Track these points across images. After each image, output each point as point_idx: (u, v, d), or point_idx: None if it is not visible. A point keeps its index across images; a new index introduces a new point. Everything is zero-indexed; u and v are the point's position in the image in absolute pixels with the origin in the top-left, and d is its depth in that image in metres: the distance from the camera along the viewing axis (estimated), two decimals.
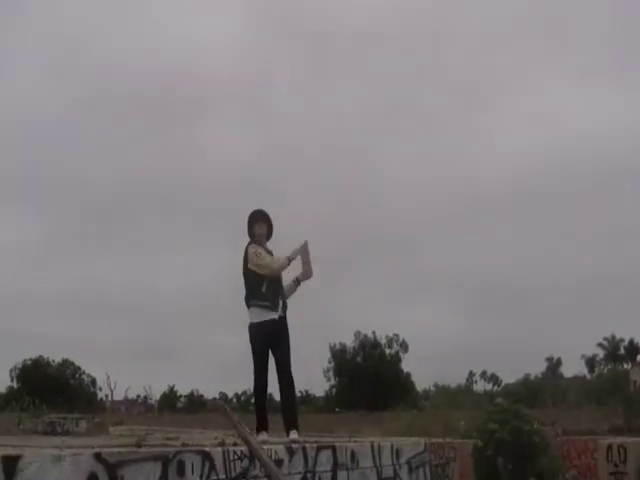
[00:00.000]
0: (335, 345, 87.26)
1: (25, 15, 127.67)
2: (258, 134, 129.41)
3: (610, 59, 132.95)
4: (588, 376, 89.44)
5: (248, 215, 8.77)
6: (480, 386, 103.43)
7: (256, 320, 8.39)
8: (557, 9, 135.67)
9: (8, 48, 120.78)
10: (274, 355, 8.43)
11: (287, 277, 8.76)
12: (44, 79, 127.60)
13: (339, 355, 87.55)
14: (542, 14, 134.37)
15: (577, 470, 12.21)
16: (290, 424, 8.38)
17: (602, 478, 12.06)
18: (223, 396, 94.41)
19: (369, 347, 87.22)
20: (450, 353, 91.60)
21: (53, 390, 60.90)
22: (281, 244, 8.90)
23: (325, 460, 7.79)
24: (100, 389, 79.32)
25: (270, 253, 8.65)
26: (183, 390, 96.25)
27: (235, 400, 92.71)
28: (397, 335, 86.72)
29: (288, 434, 8.26)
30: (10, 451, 5.26)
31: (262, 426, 8.29)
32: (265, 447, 6.99)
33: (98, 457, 5.38)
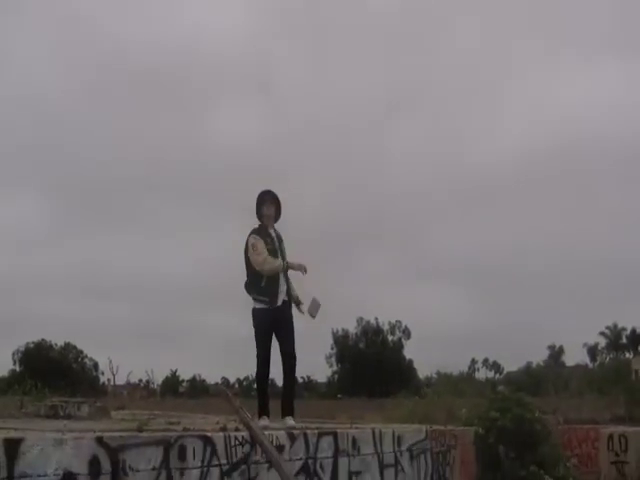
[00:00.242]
0: (337, 331, 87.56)
1: None
2: (266, 116, 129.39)
3: (613, 42, 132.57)
4: (590, 365, 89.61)
5: (257, 195, 8.74)
6: (482, 374, 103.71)
7: (259, 305, 8.39)
8: None
9: (14, 28, 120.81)
10: (278, 339, 8.42)
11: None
12: (52, 61, 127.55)
13: (341, 341, 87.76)
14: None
15: (578, 459, 12.22)
16: (288, 410, 8.42)
17: (603, 467, 12.08)
18: (225, 381, 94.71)
19: (371, 333, 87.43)
20: (452, 340, 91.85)
21: (55, 374, 61.06)
22: (288, 231, 8.90)
23: (326, 446, 7.81)
24: (102, 373, 79.65)
25: (278, 237, 8.66)
26: (185, 375, 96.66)
27: (237, 385, 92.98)
28: (400, 322, 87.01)
29: (283, 419, 8.30)
30: (12, 434, 5.27)
31: (263, 411, 8.30)
32: (266, 433, 7.01)
33: (100, 441, 5.40)
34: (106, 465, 5.36)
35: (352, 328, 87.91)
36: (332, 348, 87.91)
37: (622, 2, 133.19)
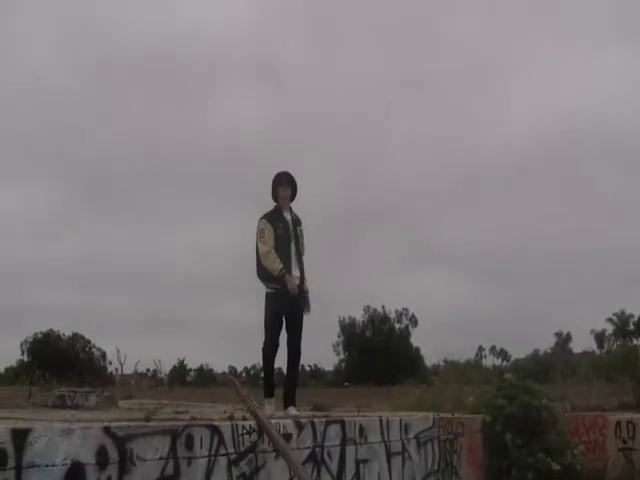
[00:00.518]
0: (344, 319, 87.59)
1: None
2: (268, 103, 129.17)
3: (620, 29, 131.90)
4: (597, 352, 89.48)
5: (274, 176, 8.69)
6: (489, 361, 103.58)
7: (271, 290, 8.37)
8: None
9: (14, 17, 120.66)
10: (286, 330, 8.41)
11: None
12: (52, 48, 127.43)
13: (348, 329, 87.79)
14: None
15: (585, 446, 12.21)
16: (290, 400, 8.43)
17: (610, 454, 12.08)
18: (232, 370, 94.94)
19: (378, 321, 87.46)
20: (459, 328, 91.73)
21: (63, 364, 61.23)
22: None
23: (334, 435, 7.82)
24: (110, 363, 79.73)
25: (294, 220, 8.61)
26: (193, 364, 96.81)
27: (244, 374, 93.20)
28: (406, 309, 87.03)
29: (286, 409, 8.31)
30: (20, 424, 5.28)
31: (269, 391, 8.30)
32: (273, 422, 7.01)
33: (107, 431, 5.41)
34: (114, 455, 5.37)
35: (359, 316, 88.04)
36: (339, 336, 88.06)
37: None
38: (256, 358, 65.39)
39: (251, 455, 6.65)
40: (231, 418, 7.08)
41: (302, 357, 8.65)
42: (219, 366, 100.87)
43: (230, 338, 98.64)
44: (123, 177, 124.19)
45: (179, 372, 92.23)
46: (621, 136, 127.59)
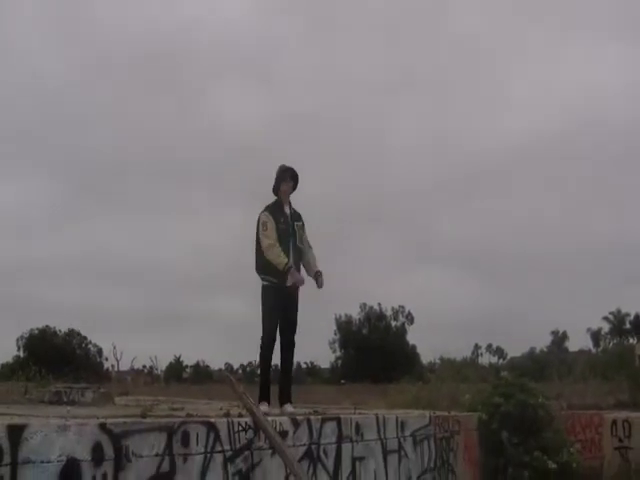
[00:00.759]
0: (341, 317, 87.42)
1: None
2: (267, 99, 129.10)
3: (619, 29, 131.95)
4: (593, 350, 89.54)
5: (278, 170, 8.68)
6: (485, 359, 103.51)
7: (267, 283, 8.36)
8: None
9: (13, 13, 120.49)
10: (281, 319, 8.38)
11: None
12: (52, 44, 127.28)
13: (345, 327, 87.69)
14: None
15: (581, 444, 12.21)
16: (286, 397, 8.41)
17: (606, 452, 12.08)
18: (229, 367, 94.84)
19: (375, 319, 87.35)
20: (456, 326, 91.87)
21: (59, 360, 61.12)
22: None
23: (330, 432, 7.82)
24: (106, 359, 79.43)
25: (293, 215, 8.59)
26: (189, 361, 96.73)
27: (241, 371, 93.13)
28: (403, 307, 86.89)
29: (282, 407, 8.29)
30: (16, 420, 5.27)
31: (265, 395, 8.28)
32: (270, 419, 7.01)
33: (103, 427, 5.41)
34: (109, 451, 5.37)
35: (355, 314, 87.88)
36: (335, 334, 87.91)
37: None
38: (253, 355, 65.52)
39: (247, 452, 6.65)
40: (227, 415, 7.09)
41: (298, 354, 8.63)
42: (215, 363, 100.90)
43: (227, 335, 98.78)
44: (123, 175, 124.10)
45: (175, 369, 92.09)
46: (621, 134, 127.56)
